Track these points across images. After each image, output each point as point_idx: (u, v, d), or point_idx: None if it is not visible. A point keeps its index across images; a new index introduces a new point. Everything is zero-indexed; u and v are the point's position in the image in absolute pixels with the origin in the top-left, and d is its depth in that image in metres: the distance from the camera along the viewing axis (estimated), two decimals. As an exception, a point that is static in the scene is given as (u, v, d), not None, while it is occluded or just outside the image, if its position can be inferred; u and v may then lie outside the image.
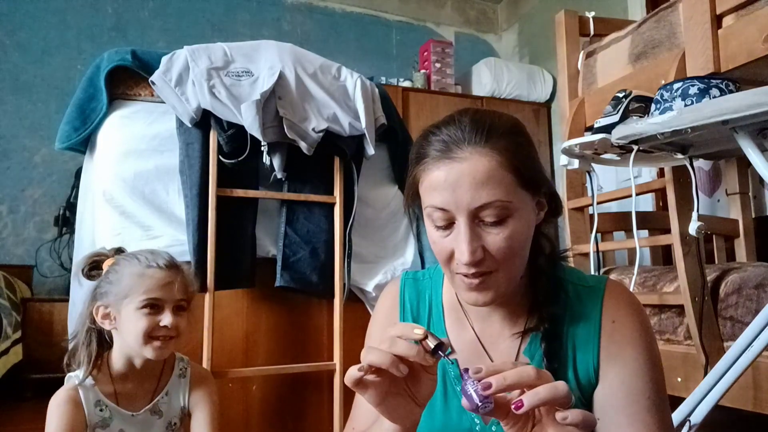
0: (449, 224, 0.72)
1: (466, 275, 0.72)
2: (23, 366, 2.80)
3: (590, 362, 0.77)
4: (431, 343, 0.62)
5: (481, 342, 0.82)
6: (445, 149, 0.71)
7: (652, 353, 0.77)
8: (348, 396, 1.86)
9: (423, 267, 2.15)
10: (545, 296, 0.79)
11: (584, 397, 0.77)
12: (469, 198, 0.69)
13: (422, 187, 0.75)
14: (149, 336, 1.12)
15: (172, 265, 1.18)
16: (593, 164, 1.81)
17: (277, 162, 1.82)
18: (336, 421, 1.83)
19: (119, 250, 1.26)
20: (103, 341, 1.18)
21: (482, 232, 0.71)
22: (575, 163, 1.79)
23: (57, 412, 1.10)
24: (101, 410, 1.13)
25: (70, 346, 1.19)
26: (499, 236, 0.70)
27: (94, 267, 1.22)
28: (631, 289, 1.71)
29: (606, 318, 0.78)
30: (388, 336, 0.63)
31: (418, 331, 0.62)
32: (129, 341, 1.14)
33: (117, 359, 1.18)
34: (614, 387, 0.75)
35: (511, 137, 0.73)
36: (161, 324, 1.12)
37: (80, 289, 1.62)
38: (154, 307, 1.13)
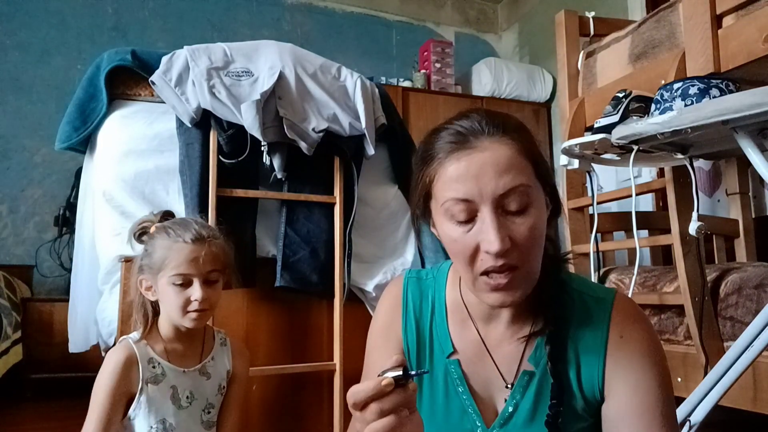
0: (471, 217, 0.70)
1: (493, 272, 0.70)
2: (23, 366, 2.80)
3: (595, 373, 0.76)
4: (396, 375, 0.59)
5: (484, 343, 0.82)
6: (463, 140, 0.71)
7: (661, 369, 0.75)
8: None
9: (423, 267, 2.15)
10: (550, 298, 0.79)
11: (586, 404, 0.77)
12: (494, 185, 0.69)
13: (438, 183, 0.73)
14: (184, 309, 1.17)
15: (199, 238, 1.19)
16: (593, 164, 1.81)
17: (277, 162, 1.82)
18: (336, 421, 1.83)
19: (167, 214, 1.30)
20: (154, 306, 1.25)
21: (506, 221, 0.70)
22: (575, 163, 1.79)
23: (111, 373, 1.14)
24: (154, 367, 1.19)
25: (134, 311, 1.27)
26: (523, 225, 0.69)
27: (142, 233, 1.26)
28: (631, 290, 1.71)
29: (614, 331, 0.77)
30: (368, 418, 0.59)
31: (388, 377, 0.59)
32: (169, 312, 1.21)
33: (164, 324, 1.24)
34: (624, 402, 0.74)
35: (523, 130, 0.74)
36: (192, 298, 1.17)
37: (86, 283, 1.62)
38: (183, 281, 1.17)
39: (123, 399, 1.15)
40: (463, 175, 0.70)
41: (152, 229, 1.24)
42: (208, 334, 1.31)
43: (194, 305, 1.16)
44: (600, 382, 0.76)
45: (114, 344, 1.63)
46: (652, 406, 0.73)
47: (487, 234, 0.68)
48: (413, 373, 0.60)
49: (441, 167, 0.72)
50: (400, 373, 0.59)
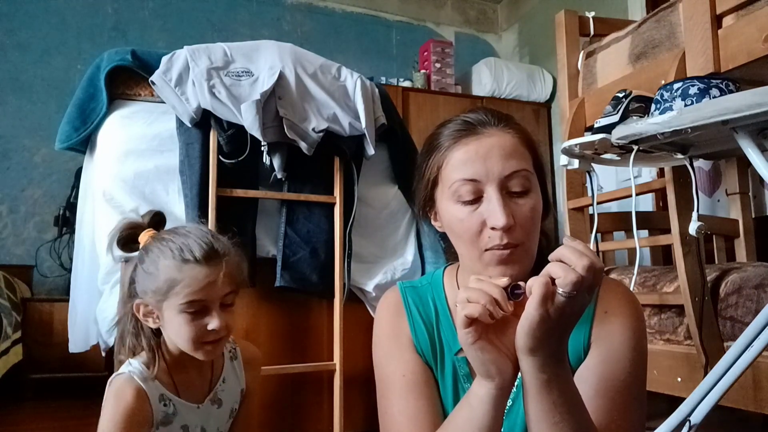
0: (477, 198, 0.76)
1: (497, 247, 0.74)
2: (23, 366, 2.80)
3: (581, 345, 0.79)
4: (508, 288, 0.65)
5: None
6: (471, 128, 0.78)
7: (638, 347, 0.78)
8: (348, 396, 1.87)
9: (423, 267, 2.15)
10: None
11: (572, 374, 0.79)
12: (501, 167, 0.75)
13: (446, 168, 0.78)
14: (198, 341, 0.99)
15: (212, 255, 0.98)
16: (593, 164, 1.81)
17: (277, 162, 1.82)
18: (336, 421, 1.83)
19: (156, 216, 1.09)
20: (152, 332, 1.05)
21: (510, 202, 0.75)
22: (575, 163, 1.79)
23: (123, 409, 0.96)
24: (165, 405, 1.01)
25: (117, 333, 1.06)
26: (525, 206, 0.75)
27: (130, 239, 1.05)
28: (631, 289, 1.71)
29: (600, 307, 0.81)
30: (473, 286, 0.65)
31: (504, 280, 0.65)
32: (177, 343, 1.02)
33: (171, 351, 1.05)
34: (591, 365, 0.77)
35: (523, 127, 0.81)
36: (209, 328, 0.97)
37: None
38: (197, 309, 0.97)
39: None
40: (471, 157, 0.76)
41: (144, 239, 1.04)
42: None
43: (210, 336, 0.98)
44: (584, 355, 0.79)
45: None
46: (619, 378, 0.75)
47: (493, 211, 0.74)
48: (519, 290, 0.65)
49: (449, 153, 0.78)
50: (510, 283, 0.66)
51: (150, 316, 1.01)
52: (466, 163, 0.76)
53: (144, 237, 1.05)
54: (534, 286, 0.61)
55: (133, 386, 0.98)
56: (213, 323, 0.97)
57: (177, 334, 0.99)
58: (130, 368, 1.02)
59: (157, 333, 1.05)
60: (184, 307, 0.96)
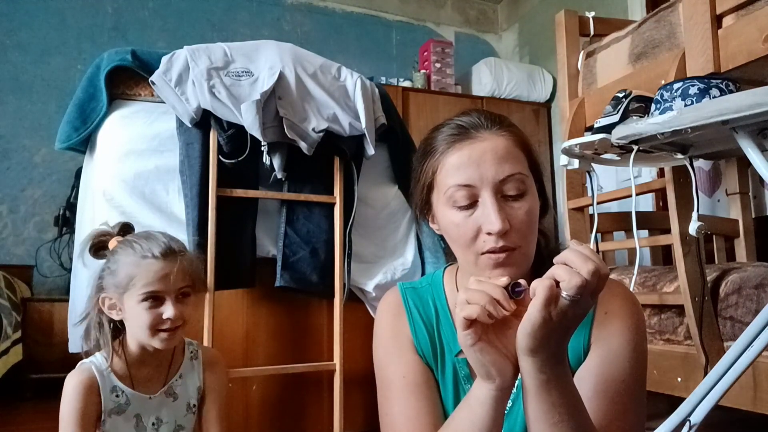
0: (473, 203, 0.75)
1: (492, 251, 0.73)
2: (23, 366, 2.80)
3: (581, 346, 0.79)
4: (509, 286, 0.65)
5: None
6: (464, 132, 0.77)
7: (638, 347, 0.78)
8: (348, 396, 1.87)
9: (423, 267, 2.15)
10: None
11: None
12: (494, 171, 0.74)
13: (441, 173, 0.78)
14: (154, 328, 1.11)
15: (169, 253, 1.13)
16: (593, 164, 1.81)
17: (277, 162, 1.82)
18: (336, 421, 1.83)
19: (125, 226, 1.23)
20: (116, 325, 1.17)
21: (505, 206, 0.75)
22: (575, 163, 1.79)
23: (74, 397, 1.10)
24: (117, 396, 1.13)
25: (83, 327, 1.18)
26: (520, 210, 0.75)
27: (100, 247, 1.19)
28: (631, 289, 1.71)
29: (600, 308, 0.80)
30: (473, 287, 0.65)
31: (504, 279, 0.65)
32: (136, 333, 1.14)
33: (131, 344, 1.17)
34: (592, 366, 0.77)
35: (518, 128, 0.80)
36: (164, 317, 1.10)
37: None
38: (154, 299, 1.10)
39: (92, 419, 1.11)
40: (465, 162, 0.76)
41: (112, 244, 1.18)
42: (177, 350, 1.23)
43: (166, 324, 1.10)
44: (584, 356, 0.79)
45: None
46: (619, 378, 0.76)
47: (488, 216, 0.73)
48: (519, 288, 0.64)
49: (443, 158, 0.78)
50: (513, 283, 0.65)
51: (114, 309, 1.14)
52: (459, 168, 0.75)
53: (113, 243, 1.19)
54: (538, 288, 0.61)
55: (84, 372, 1.12)
56: (168, 312, 1.10)
57: (137, 323, 1.11)
58: (93, 359, 1.15)
59: (118, 330, 1.17)
60: (142, 296, 1.09)
